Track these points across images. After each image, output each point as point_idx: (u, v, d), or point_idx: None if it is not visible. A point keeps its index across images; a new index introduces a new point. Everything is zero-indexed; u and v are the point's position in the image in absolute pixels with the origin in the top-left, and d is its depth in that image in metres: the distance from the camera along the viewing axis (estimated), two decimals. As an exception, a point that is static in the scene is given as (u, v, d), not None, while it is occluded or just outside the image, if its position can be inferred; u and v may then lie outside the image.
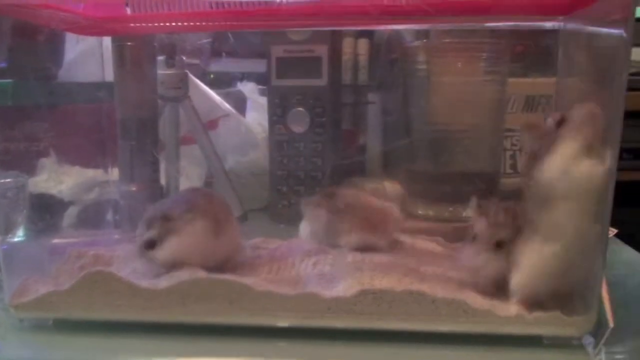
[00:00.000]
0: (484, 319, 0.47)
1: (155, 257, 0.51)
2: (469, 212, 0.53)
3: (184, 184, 0.77)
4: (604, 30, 0.51)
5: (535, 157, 0.47)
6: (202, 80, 0.83)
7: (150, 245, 0.51)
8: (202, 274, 0.50)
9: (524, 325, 0.47)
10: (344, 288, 0.48)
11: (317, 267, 0.53)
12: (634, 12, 0.45)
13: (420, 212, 0.73)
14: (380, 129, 0.86)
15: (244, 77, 0.86)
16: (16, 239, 0.57)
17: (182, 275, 0.50)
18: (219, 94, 0.84)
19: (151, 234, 0.51)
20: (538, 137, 0.48)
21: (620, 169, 0.46)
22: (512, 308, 0.47)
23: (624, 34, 0.45)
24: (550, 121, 0.48)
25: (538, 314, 0.46)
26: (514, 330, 0.47)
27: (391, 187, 0.77)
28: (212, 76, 0.88)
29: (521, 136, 0.52)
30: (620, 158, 0.45)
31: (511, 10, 0.60)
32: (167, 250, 0.51)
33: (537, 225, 0.47)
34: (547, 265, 0.47)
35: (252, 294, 0.48)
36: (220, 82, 0.85)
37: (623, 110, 0.45)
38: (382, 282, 0.49)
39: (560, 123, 0.47)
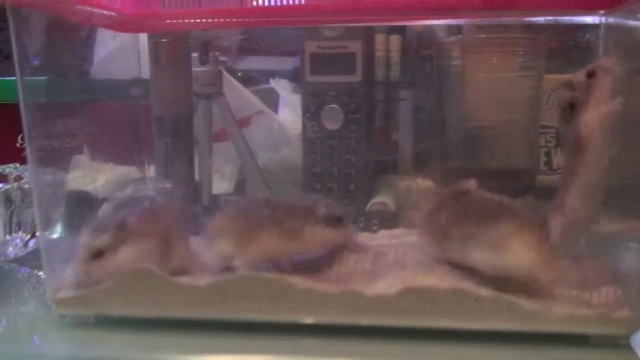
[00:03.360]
0: (529, 318, 0.46)
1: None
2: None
3: (217, 181, 0.77)
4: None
5: (574, 108, 0.55)
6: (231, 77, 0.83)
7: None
8: (244, 271, 0.50)
9: (569, 324, 0.46)
10: (386, 286, 0.48)
11: (358, 265, 0.52)
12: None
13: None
14: (412, 126, 0.85)
15: (276, 74, 0.86)
16: (54, 236, 0.57)
17: (224, 272, 0.50)
18: (251, 91, 0.84)
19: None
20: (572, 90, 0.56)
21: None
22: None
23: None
24: (581, 75, 0.55)
25: (585, 312, 0.46)
26: (560, 329, 0.46)
27: (424, 184, 0.76)
28: (239, 74, 0.88)
29: (558, 93, 0.58)
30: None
31: (552, 5, 0.59)
32: None
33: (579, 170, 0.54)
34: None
35: (294, 292, 0.48)
36: (252, 79, 0.85)
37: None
38: (425, 280, 0.48)
39: (591, 74, 0.54)
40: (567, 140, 0.56)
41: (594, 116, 0.53)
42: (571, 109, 0.55)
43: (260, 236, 0.51)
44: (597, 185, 0.54)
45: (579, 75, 0.56)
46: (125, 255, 0.50)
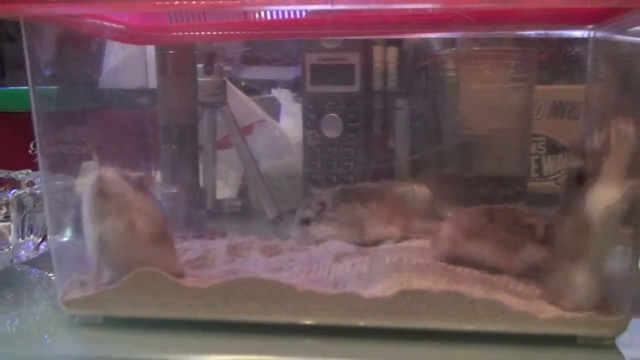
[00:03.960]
0: (520, 320, 0.46)
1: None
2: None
3: (221, 186, 0.77)
4: (636, 39, 0.51)
5: (581, 181, 0.47)
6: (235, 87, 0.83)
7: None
8: (244, 274, 0.50)
9: (559, 326, 0.46)
10: (383, 288, 0.48)
11: (356, 268, 0.52)
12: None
13: (449, 214, 0.72)
14: (408, 134, 0.86)
15: (278, 84, 0.86)
16: (64, 239, 0.57)
17: (227, 275, 0.50)
18: (253, 100, 0.84)
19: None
20: (581, 157, 0.47)
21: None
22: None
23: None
24: (597, 140, 0.46)
25: (574, 315, 0.46)
26: (550, 331, 0.46)
27: (420, 190, 0.76)
28: (243, 83, 0.88)
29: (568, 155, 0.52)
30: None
31: (542, 20, 0.59)
32: None
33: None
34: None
35: (294, 294, 0.48)
36: (254, 89, 0.85)
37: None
38: (420, 283, 0.48)
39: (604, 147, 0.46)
40: (569, 210, 0.48)
41: (604, 205, 0.45)
42: (578, 180, 0.47)
43: (477, 246, 0.53)
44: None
45: (594, 141, 0.47)
46: None
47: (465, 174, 0.72)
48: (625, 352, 0.46)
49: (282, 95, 0.86)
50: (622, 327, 0.46)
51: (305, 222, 0.63)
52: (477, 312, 0.47)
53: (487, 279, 0.50)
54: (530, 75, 0.71)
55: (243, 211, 0.80)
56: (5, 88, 0.93)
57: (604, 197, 0.45)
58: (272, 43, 0.79)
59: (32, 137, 0.54)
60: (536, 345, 0.46)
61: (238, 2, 0.45)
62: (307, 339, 0.48)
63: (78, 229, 0.61)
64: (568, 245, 0.47)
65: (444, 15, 0.52)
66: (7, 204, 0.58)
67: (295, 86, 0.84)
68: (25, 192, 0.60)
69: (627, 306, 0.46)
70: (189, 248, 0.60)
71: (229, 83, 0.76)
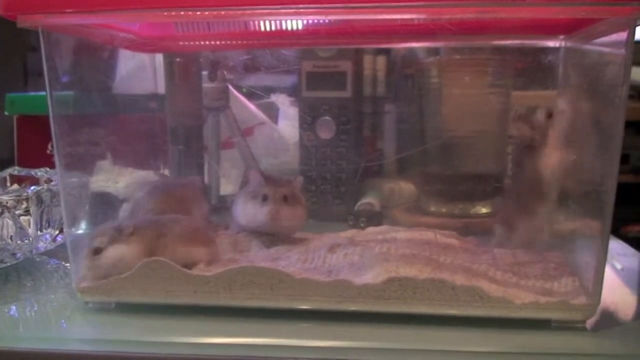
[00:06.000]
0: (499, 305, 0.46)
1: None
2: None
3: (224, 183, 0.77)
4: (605, 49, 0.50)
5: (531, 148, 0.55)
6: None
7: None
8: (247, 263, 0.49)
9: (534, 310, 0.46)
10: (372, 276, 0.48)
11: (348, 257, 0.52)
12: (634, 32, 0.44)
13: (433, 209, 0.72)
14: (395, 135, 0.85)
15: (276, 89, 0.85)
16: (79, 232, 0.57)
17: (229, 264, 0.49)
18: (254, 105, 0.83)
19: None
20: (529, 127, 0.55)
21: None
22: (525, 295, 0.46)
23: (624, 52, 0.44)
24: (540, 115, 0.55)
25: (547, 300, 0.46)
26: (526, 315, 0.46)
27: (405, 186, 0.76)
28: (244, 89, 0.87)
29: (513, 123, 0.58)
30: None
31: (518, 30, 0.59)
32: None
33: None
34: None
35: (291, 281, 0.48)
36: (255, 94, 0.85)
37: (624, 119, 0.44)
38: (407, 271, 0.48)
39: (550, 115, 0.54)
40: (521, 174, 0.57)
41: (552, 162, 0.54)
42: (529, 148, 0.55)
43: None
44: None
45: (539, 115, 0.55)
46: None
47: (447, 171, 0.71)
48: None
49: (280, 100, 0.85)
50: (592, 312, 0.46)
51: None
52: (459, 297, 0.46)
53: (468, 267, 0.50)
54: (506, 82, 0.71)
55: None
56: (27, 94, 0.92)
57: (551, 159, 0.54)
58: (271, 52, 0.78)
59: (50, 139, 0.53)
60: (514, 328, 0.46)
61: (239, 12, 0.44)
62: (303, 323, 0.47)
63: (92, 222, 0.60)
64: (523, 198, 0.55)
65: (428, 26, 0.51)
66: (27, 199, 0.57)
67: (292, 91, 0.83)
68: (43, 189, 0.59)
69: (595, 293, 0.46)
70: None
71: (231, 89, 0.76)
